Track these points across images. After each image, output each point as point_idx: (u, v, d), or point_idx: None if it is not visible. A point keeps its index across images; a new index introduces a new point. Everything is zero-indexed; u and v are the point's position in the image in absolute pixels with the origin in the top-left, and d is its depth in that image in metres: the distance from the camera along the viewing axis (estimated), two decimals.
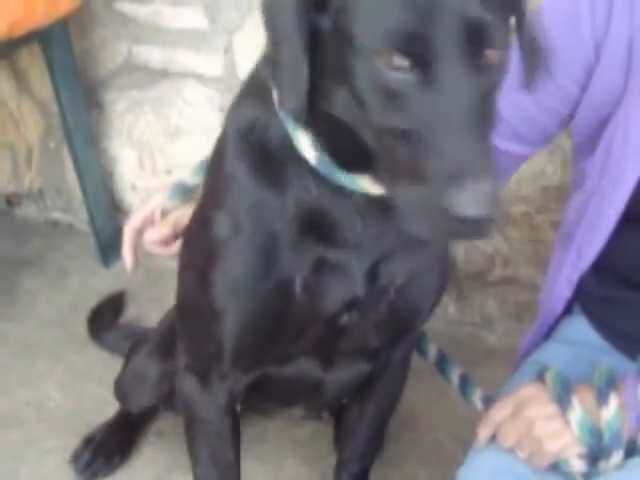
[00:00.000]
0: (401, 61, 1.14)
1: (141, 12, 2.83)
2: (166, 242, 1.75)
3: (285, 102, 1.25)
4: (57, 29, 2.66)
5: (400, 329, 1.62)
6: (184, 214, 1.68)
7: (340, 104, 1.22)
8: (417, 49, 1.13)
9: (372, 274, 1.46)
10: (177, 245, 1.71)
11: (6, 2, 2.32)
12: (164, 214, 1.76)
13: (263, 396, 1.80)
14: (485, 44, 1.15)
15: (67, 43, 2.77)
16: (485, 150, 1.14)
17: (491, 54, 1.16)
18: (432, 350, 2.00)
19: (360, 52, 1.16)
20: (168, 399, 2.14)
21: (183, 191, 1.77)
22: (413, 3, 1.12)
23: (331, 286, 1.45)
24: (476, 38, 1.14)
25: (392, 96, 1.16)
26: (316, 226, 1.40)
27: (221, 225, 1.47)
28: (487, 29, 1.14)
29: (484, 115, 1.17)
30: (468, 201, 1.09)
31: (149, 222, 1.79)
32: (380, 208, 1.34)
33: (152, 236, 1.75)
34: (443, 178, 1.11)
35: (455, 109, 1.14)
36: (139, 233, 1.80)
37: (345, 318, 1.49)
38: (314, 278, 1.44)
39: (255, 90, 1.41)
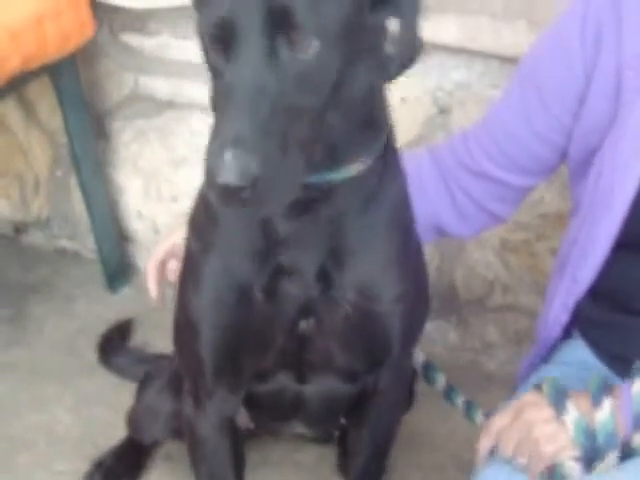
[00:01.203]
0: (216, 43, 1.26)
1: (147, 44, 2.87)
2: None
3: None
4: (66, 61, 2.70)
5: (370, 351, 1.66)
6: None
7: None
8: (224, 32, 1.23)
9: (324, 279, 1.52)
10: None
11: (21, 37, 2.36)
12: None
13: (257, 411, 1.86)
14: (290, 30, 1.22)
15: (76, 74, 2.82)
16: (254, 126, 1.20)
17: (302, 41, 1.23)
18: (440, 379, 2.05)
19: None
20: (180, 434, 2.19)
21: None
22: None
23: (286, 290, 1.52)
24: (278, 22, 1.21)
25: (215, 73, 1.30)
26: (264, 228, 1.49)
27: (194, 243, 1.61)
28: (291, 14, 1.21)
29: (282, 96, 1.23)
30: (218, 168, 1.18)
31: (171, 255, 1.88)
32: (302, 201, 1.41)
33: (174, 266, 1.88)
34: (210, 147, 1.22)
35: (239, 85, 1.22)
36: (162, 265, 1.89)
37: (303, 325, 1.55)
38: (272, 284, 1.52)
39: None
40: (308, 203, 1.44)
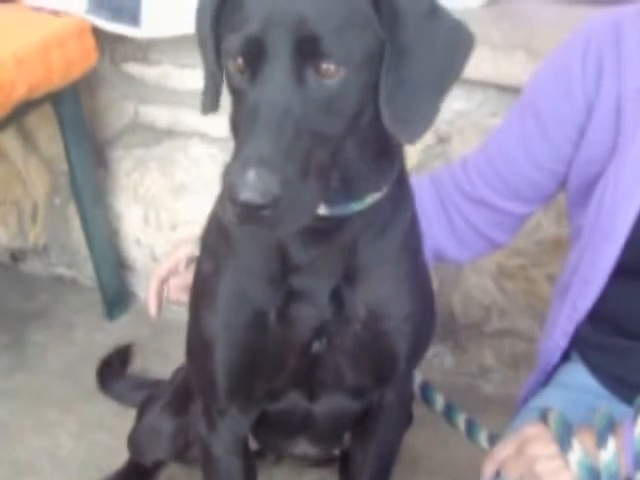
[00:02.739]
0: (240, 63, 1.29)
1: (148, 73, 2.90)
2: (186, 289, 1.86)
3: (204, 105, 1.46)
4: (68, 89, 2.72)
5: (378, 368, 1.68)
6: None
7: None
8: (253, 51, 1.27)
9: (337, 300, 1.55)
10: None
11: (27, 64, 2.38)
12: (191, 262, 1.87)
13: (264, 430, 1.87)
14: (318, 57, 1.26)
15: (78, 103, 2.84)
16: (278, 147, 1.23)
17: (328, 67, 1.27)
18: (439, 399, 2.08)
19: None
20: (182, 453, 2.23)
21: None
22: (257, 15, 1.27)
23: (301, 313, 1.55)
24: (306, 49, 1.26)
25: (237, 94, 1.33)
26: (280, 254, 1.51)
27: (206, 263, 1.63)
28: (319, 42, 1.25)
29: (306, 119, 1.27)
30: (240, 186, 1.21)
31: (174, 272, 1.91)
32: (320, 230, 1.46)
33: (177, 282, 1.91)
34: (232, 165, 1.24)
35: (265, 105, 1.25)
36: (164, 282, 1.92)
37: (316, 345, 1.58)
38: (286, 308, 1.55)
39: None
40: (326, 232, 1.47)
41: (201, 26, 1.42)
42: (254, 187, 1.20)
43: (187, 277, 1.85)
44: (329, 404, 1.73)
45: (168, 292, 1.96)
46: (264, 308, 1.56)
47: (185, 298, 1.83)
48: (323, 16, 1.25)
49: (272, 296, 1.55)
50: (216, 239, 1.61)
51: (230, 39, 1.31)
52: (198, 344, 1.67)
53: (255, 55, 1.27)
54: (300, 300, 1.55)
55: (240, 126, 1.30)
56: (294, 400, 1.71)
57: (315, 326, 1.56)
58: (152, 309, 1.96)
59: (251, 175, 1.20)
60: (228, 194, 1.23)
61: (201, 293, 1.65)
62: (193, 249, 1.89)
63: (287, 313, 1.55)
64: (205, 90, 1.47)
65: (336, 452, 2.25)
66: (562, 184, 1.86)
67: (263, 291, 1.55)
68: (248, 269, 1.56)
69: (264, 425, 1.80)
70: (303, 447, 2.01)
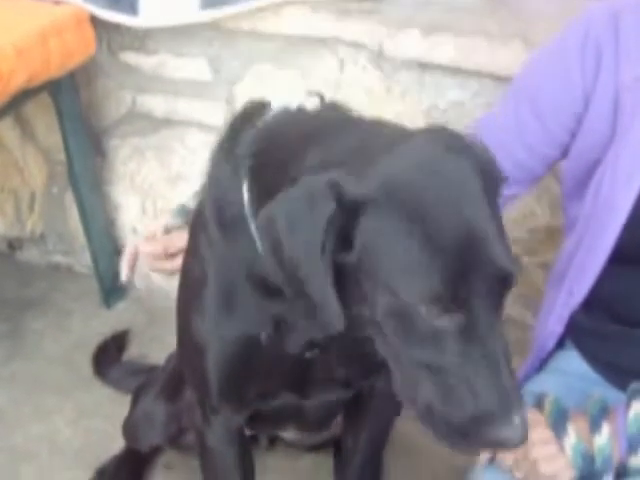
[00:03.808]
0: (441, 311, 1.24)
1: (145, 63, 2.90)
2: (158, 257, 1.88)
3: (329, 325, 1.31)
4: (66, 78, 2.73)
5: (370, 362, 1.64)
6: (179, 236, 1.84)
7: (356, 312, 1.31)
8: (458, 301, 1.23)
9: None
10: (171, 263, 1.86)
11: (26, 53, 2.39)
12: (167, 232, 1.90)
13: (255, 421, 1.88)
14: (509, 285, 1.28)
15: (75, 92, 2.85)
16: (515, 382, 1.28)
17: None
18: None
19: (386, 291, 1.25)
20: (176, 439, 2.26)
21: (185, 212, 1.92)
22: (451, 259, 1.22)
23: (292, 335, 1.56)
24: (504, 283, 1.27)
25: (426, 337, 1.26)
26: (264, 283, 1.48)
27: (195, 267, 1.63)
28: (513, 275, 1.27)
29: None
30: (509, 431, 1.25)
31: (151, 240, 1.94)
32: None
33: (145, 249, 1.91)
34: (484, 411, 1.25)
35: (491, 354, 1.25)
36: (136, 255, 1.97)
37: (309, 355, 1.60)
38: (276, 332, 1.55)
39: (227, 154, 1.55)
40: None
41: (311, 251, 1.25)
42: (523, 431, 1.26)
43: (156, 245, 1.88)
44: (320, 398, 1.76)
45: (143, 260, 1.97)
46: (253, 330, 1.56)
47: (161, 266, 1.87)
48: (509, 249, 1.27)
49: (261, 320, 1.55)
50: (202, 244, 1.60)
51: (414, 286, 1.24)
52: (189, 345, 1.68)
53: (460, 302, 1.24)
54: (287, 324, 1.55)
55: (449, 367, 1.27)
56: (286, 399, 1.73)
57: (306, 341, 1.57)
58: (124, 274, 1.98)
59: (520, 422, 1.25)
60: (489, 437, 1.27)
61: (189, 297, 1.66)
62: (168, 219, 1.92)
63: (277, 335, 1.56)
64: (319, 309, 1.29)
65: (333, 431, 2.27)
66: (550, 167, 1.88)
67: (252, 314, 1.55)
68: (236, 287, 1.55)
69: (255, 417, 1.83)
70: (292, 433, 2.04)
